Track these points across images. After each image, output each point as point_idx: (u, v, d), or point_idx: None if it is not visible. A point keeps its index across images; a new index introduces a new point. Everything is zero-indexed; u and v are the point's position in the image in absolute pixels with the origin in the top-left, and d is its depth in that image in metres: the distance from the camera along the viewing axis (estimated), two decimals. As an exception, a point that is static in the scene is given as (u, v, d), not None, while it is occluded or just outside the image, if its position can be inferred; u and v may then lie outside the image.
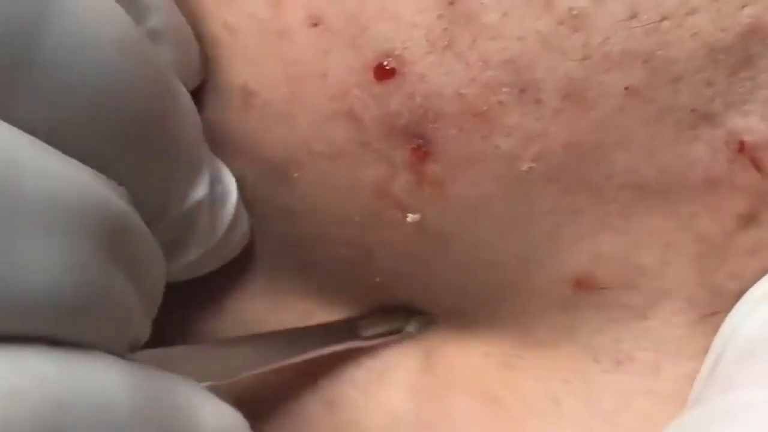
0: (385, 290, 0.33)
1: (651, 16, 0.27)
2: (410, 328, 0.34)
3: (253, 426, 0.29)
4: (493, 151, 0.28)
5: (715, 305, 0.30)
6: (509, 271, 0.31)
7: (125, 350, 0.25)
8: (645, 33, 0.27)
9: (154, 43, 0.28)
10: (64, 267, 0.22)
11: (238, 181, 0.32)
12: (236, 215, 0.32)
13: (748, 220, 0.29)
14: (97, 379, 0.22)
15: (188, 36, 0.30)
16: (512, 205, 0.29)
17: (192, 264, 0.31)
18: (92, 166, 0.24)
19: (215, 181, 0.31)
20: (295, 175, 0.31)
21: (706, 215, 0.29)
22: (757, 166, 0.28)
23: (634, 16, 0.27)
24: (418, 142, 0.29)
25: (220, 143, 0.32)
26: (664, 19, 0.27)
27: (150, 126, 0.27)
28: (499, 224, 0.30)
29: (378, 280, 0.32)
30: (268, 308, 0.35)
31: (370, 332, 0.34)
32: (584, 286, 0.30)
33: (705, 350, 0.29)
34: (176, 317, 0.34)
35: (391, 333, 0.34)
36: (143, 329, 0.27)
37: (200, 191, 0.30)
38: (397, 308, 0.34)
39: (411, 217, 0.30)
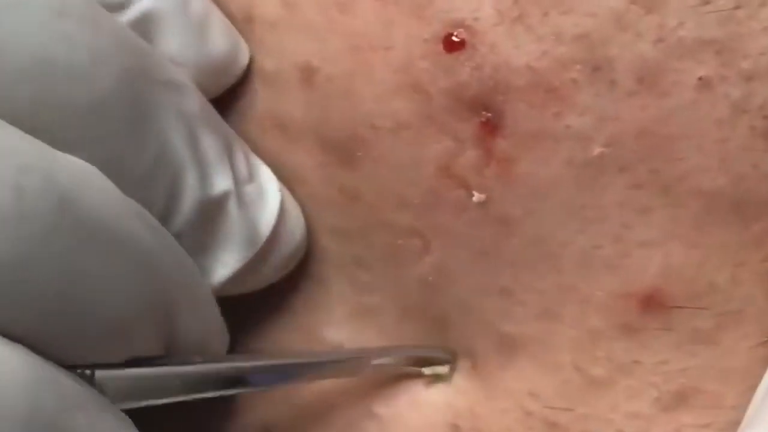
0: (434, 299, 0.32)
1: (725, 2, 0.27)
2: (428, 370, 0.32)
3: None
4: (565, 130, 0.28)
5: (783, 328, 0.28)
6: (569, 273, 0.29)
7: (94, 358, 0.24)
8: (718, 20, 0.27)
9: (146, 25, 0.29)
10: None
11: (298, 172, 0.32)
12: (284, 218, 0.31)
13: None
14: None
15: (203, 19, 0.30)
16: (581, 192, 0.29)
17: (243, 276, 0.31)
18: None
19: (243, 180, 0.30)
20: (359, 154, 0.30)
21: None
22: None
23: (708, 1, 0.26)
24: (486, 115, 0.28)
25: (277, 132, 0.32)
26: (737, 7, 0.27)
27: (112, 96, 0.26)
28: (566, 212, 0.29)
29: (430, 279, 0.31)
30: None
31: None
32: (654, 303, 0.29)
33: (764, 378, 0.28)
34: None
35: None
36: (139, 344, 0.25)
37: (218, 185, 0.29)
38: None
39: (477, 197, 0.29)
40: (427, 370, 0.32)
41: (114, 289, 0.24)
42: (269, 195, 0.31)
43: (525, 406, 0.31)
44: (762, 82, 0.27)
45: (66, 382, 0.22)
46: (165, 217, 0.28)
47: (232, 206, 0.29)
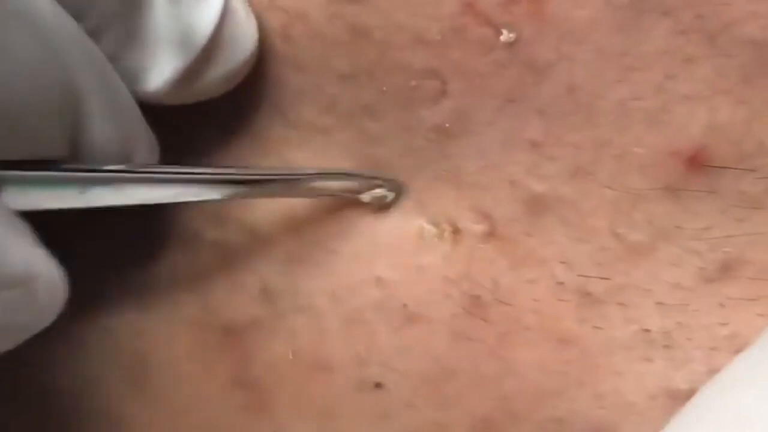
0: (449, 151, 0.30)
1: None
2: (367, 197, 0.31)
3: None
4: None
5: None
6: (605, 127, 0.28)
7: None
8: None
9: None
10: None
11: (300, 6, 0.29)
12: (228, 22, 0.29)
13: None
14: None
15: None
16: (620, 37, 0.27)
17: (182, 83, 0.28)
18: None
19: None
20: None
21: None
22: None
23: None
24: (518, -56, 0.26)
25: None
26: None
27: None
28: (603, 59, 0.27)
29: (447, 125, 0.29)
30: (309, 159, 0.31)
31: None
32: (698, 162, 0.27)
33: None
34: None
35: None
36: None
37: None
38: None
39: (505, 36, 0.27)
40: (365, 197, 0.31)
41: (13, 66, 0.23)
42: None
43: (556, 276, 0.30)
44: None
45: None
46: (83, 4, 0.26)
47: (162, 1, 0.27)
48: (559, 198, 0.29)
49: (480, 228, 0.30)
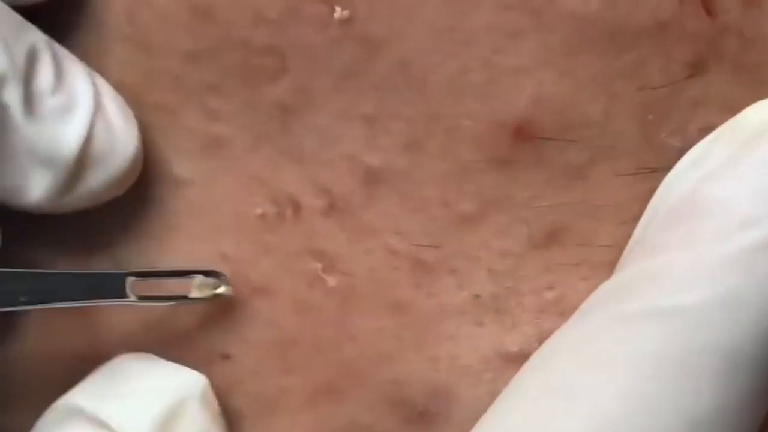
0: (291, 126, 0.31)
1: None
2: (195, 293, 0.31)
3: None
4: None
5: (656, 162, 0.29)
6: (437, 100, 0.29)
7: None
8: None
9: None
10: None
11: None
12: (99, 134, 0.29)
13: (695, 68, 0.29)
14: None
15: None
16: (449, 13, 0.28)
17: (60, 197, 0.29)
18: None
19: (43, 91, 0.28)
20: None
21: (653, 62, 0.28)
22: (707, 9, 0.28)
23: None
24: None
25: None
26: None
27: None
28: (434, 34, 0.29)
29: (288, 102, 0.30)
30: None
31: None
32: (525, 134, 0.29)
33: (641, 214, 0.29)
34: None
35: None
36: None
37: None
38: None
39: (339, 13, 0.29)
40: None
41: None
42: (78, 108, 0.29)
43: (390, 245, 0.31)
44: None
45: None
46: None
47: (19, 120, 0.28)
48: (394, 170, 0.30)
49: (320, 203, 0.31)
